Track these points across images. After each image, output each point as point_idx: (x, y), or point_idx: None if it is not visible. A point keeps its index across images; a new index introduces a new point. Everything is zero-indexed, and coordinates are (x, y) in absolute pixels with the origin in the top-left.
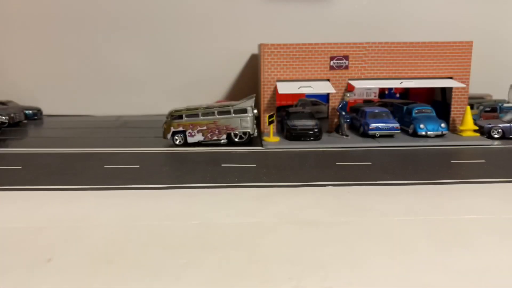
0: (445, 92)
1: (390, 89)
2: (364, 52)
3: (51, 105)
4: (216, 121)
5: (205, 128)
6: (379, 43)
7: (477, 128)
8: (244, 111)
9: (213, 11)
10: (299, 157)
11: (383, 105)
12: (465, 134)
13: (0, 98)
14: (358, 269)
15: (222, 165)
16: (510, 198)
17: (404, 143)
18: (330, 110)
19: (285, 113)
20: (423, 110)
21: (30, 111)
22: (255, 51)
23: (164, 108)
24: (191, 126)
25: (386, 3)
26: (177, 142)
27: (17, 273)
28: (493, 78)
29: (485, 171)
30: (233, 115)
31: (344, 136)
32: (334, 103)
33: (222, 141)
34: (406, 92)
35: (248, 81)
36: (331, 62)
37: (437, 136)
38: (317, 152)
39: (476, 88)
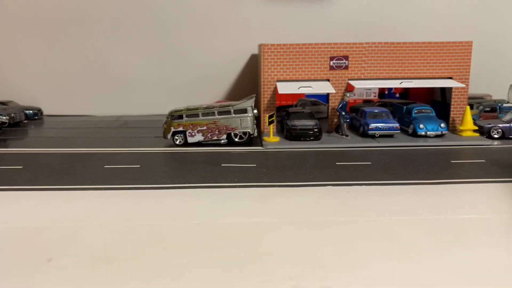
0: (445, 92)
1: (390, 89)
2: (364, 52)
3: (51, 105)
4: (216, 121)
5: (205, 128)
6: (379, 43)
7: (476, 128)
8: (244, 111)
9: (213, 11)
10: (299, 157)
11: (383, 105)
12: (464, 134)
13: (0, 98)
14: (358, 269)
15: (222, 165)
16: (510, 198)
17: (404, 143)
18: (330, 110)
19: (285, 113)
20: (423, 110)
21: (31, 111)
22: (255, 51)
23: (164, 108)
24: (191, 126)
25: (386, 3)
26: (177, 142)
27: (17, 273)
28: (493, 78)
29: (485, 171)
30: (233, 115)
31: (344, 136)
32: (334, 103)
33: (222, 141)
34: (406, 92)
35: (248, 81)
36: (331, 62)
37: (436, 136)
38: (317, 152)
39: (476, 88)
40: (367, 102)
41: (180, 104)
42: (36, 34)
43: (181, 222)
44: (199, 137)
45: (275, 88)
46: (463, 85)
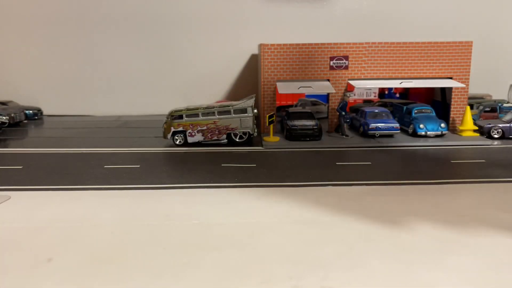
0: (445, 92)
1: (390, 89)
2: (364, 52)
3: (51, 105)
4: (216, 121)
5: (205, 128)
6: (379, 43)
7: (477, 128)
8: (244, 111)
9: (213, 11)
10: (299, 157)
11: (383, 105)
12: (465, 134)
13: (0, 98)
14: (358, 269)
15: (222, 165)
16: (510, 198)
17: (404, 143)
18: (330, 110)
19: (285, 113)
20: (423, 110)
21: (30, 111)
22: (255, 51)
23: (164, 108)
24: (191, 126)
25: (386, 3)
26: (177, 142)
27: (17, 273)
28: (493, 78)
29: (485, 171)
30: (233, 115)
31: (344, 136)
32: (334, 103)
33: (222, 141)
34: (406, 92)
35: (248, 81)
36: (331, 62)
37: (437, 136)
38: (317, 152)
39: (476, 88)
40: (367, 102)
41: (180, 104)
42: (36, 34)
43: (181, 222)
44: (199, 137)
45: (275, 88)
46: (463, 85)
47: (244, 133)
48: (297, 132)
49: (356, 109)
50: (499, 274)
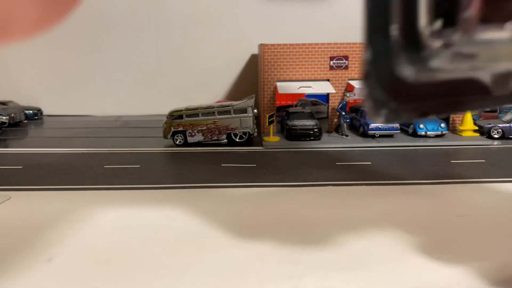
0: None
1: None
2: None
3: (51, 105)
4: (216, 121)
5: (205, 128)
6: None
7: (477, 128)
8: (244, 111)
9: (213, 11)
10: (299, 157)
11: None
12: (465, 134)
13: (0, 98)
14: (358, 269)
15: (222, 165)
16: (510, 198)
17: (404, 143)
18: (330, 110)
19: (285, 113)
20: None
21: (30, 111)
22: (255, 51)
23: (164, 108)
24: (191, 126)
25: None
26: (177, 142)
27: (17, 273)
28: None
29: (485, 171)
30: (233, 115)
31: (344, 136)
32: (334, 103)
33: (222, 141)
34: None
35: (248, 81)
36: (331, 62)
37: (436, 136)
38: (317, 152)
39: None
40: None
41: (180, 104)
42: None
43: (181, 222)
44: (199, 137)
45: (275, 88)
46: None
47: (244, 133)
48: (297, 132)
49: (356, 109)
50: (498, 274)
